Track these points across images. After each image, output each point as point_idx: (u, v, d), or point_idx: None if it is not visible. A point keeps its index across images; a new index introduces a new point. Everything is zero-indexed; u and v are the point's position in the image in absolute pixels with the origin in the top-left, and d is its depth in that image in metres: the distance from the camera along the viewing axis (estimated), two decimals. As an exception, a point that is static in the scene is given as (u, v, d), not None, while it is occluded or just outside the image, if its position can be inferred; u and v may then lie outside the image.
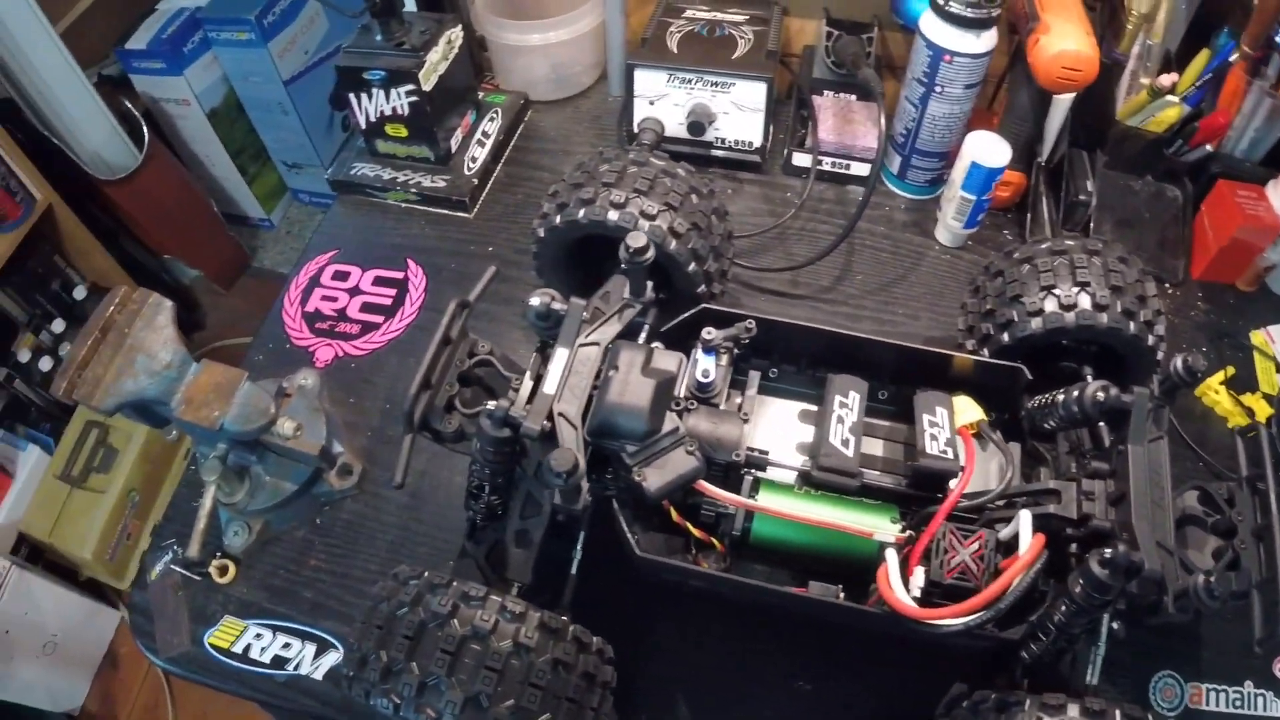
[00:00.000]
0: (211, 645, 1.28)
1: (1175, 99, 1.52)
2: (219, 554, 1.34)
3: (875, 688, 1.21)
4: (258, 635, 1.28)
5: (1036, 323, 1.19)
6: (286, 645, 1.27)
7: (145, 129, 3.09)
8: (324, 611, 1.29)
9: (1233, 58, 1.51)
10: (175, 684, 2.79)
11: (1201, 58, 1.52)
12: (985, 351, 1.26)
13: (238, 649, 1.27)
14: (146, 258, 3.45)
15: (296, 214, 3.94)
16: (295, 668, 1.25)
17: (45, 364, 2.95)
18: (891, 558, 1.00)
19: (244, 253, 3.76)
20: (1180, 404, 1.11)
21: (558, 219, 1.32)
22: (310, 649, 1.26)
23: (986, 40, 1.48)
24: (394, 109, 1.70)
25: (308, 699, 1.24)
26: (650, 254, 1.09)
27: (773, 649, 1.24)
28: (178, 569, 1.34)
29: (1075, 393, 1.07)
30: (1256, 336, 1.55)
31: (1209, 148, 1.60)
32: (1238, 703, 1.21)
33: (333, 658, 1.25)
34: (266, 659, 1.26)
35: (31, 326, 2.99)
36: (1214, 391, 1.45)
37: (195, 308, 3.59)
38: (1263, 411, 1.44)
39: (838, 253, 1.61)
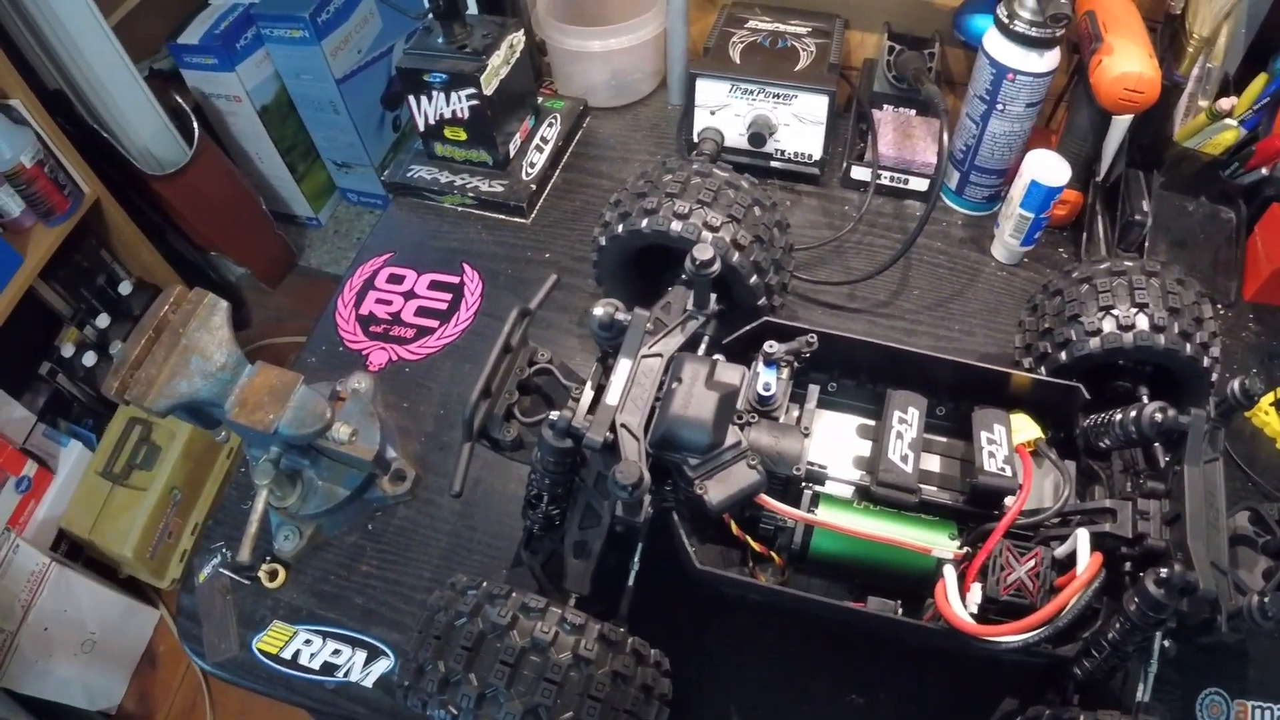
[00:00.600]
0: (260, 650, 1.28)
1: (1233, 122, 1.51)
2: (269, 558, 1.34)
3: (926, 701, 1.21)
4: (307, 641, 1.28)
5: (1094, 342, 1.19)
6: (336, 652, 1.27)
7: (195, 124, 3.12)
8: (375, 618, 1.29)
9: (1291, 82, 1.50)
10: (214, 684, 2.80)
11: (1259, 81, 1.52)
12: (1042, 370, 1.26)
13: (286, 654, 1.27)
14: (193, 254, 3.47)
15: (344, 213, 3.98)
16: (345, 675, 1.25)
17: (89, 359, 2.97)
18: (950, 574, 1.00)
19: (291, 251, 3.79)
20: (1230, 425, 1.11)
21: (620, 228, 1.32)
22: (360, 656, 1.26)
23: (1050, 59, 1.47)
24: (454, 112, 1.70)
25: (357, 706, 1.24)
26: (716, 267, 1.08)
27: (825, 662, 1.24)
28: (226, 572, 1.35)
29: (1132, 413, 1.07)
30: (1308, 358, 1.54)
31: (1264, 171, 1.59)
32: (1283, 721, 1.21)
33: (383, 665, 1.25)
34: (316, 665, 1.26)
35: (76, 321, 3.03)
36: (1264, 413, 1.45)
37: (241, 306, 3.62)
38: (1312, 434, 1.44)
39: (894, 267, 1.61)
